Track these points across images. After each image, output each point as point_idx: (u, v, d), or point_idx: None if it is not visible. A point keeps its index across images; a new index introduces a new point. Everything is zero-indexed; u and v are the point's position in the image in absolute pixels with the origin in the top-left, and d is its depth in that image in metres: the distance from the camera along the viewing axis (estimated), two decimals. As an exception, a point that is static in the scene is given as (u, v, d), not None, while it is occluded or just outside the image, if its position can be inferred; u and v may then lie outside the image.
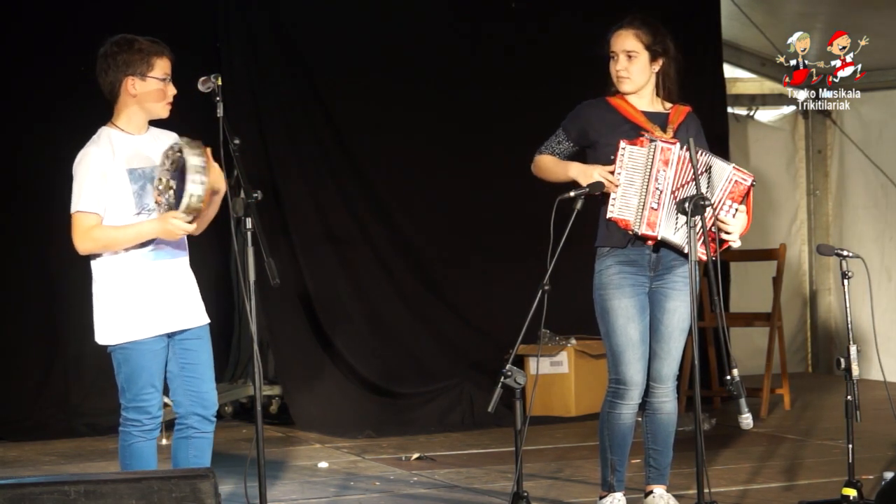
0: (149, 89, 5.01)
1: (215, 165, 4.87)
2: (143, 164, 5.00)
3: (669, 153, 5.43)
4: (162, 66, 5.03)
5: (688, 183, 5.39)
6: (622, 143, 5.46)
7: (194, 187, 4.80)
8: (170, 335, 5.06)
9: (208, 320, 5.17)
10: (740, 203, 5.47)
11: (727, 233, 5.47)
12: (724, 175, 5.44)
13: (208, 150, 4.86)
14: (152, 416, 5.04)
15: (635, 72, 5.55)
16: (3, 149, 8.29)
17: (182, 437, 5.12)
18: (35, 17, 8.33)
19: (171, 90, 5.07)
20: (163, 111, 5.08)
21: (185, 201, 4.82)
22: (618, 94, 5.62)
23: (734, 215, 5.46)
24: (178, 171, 4.85)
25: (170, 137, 5.10)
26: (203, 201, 4.84)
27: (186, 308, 5.08)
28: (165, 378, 5.11)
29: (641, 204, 5.43)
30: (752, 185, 5.49)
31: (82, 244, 4.97)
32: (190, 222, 4.89)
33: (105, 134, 5.03)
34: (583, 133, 5.60)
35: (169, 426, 5.36)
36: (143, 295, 5.00)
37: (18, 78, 8.27)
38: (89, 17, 8.20)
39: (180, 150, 4.84)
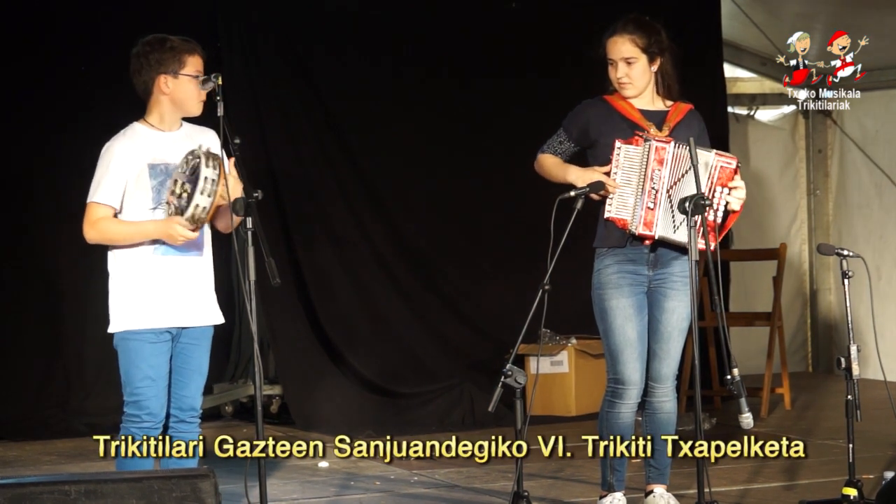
0: (181, 87, 5.04)
1: (233, 177, 4.89)
2: (165, 160, 5.02)
3: (664, 152, 5.43)
4: (194, 64, 5.06)
5: (681, 179, 5.41)
6: (617, 143, 5.47)
7: (202, 199, 4.86)
8: (173, 334, 5.07)
9: (214, 322, 5.15)
10: (730, 184, 5.49)
11: (733, 210, 5.51)
12: (709, 163, 5.45)
13: (232, 160, 4.89)
14: (151, 413, 5.02)
15: (636, 76, 5.56)
16: (8, 150, 8.27)
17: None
18: (38, 20, 8.31)
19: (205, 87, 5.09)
20: (195, 108, 5.10)
21: (190, 211, 4.88)
22: (616, 93, 5.62)
23: (727, 198, 5.48)
24: (195, 176, 4.88)
25: (204, 134, 5.11)
26: (209, 214, 4.89)
27: (189, 307, 5.07)
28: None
29: (638, 203, 5.44)
30: (737, 166, 5.53)
31: (89, 233, 5.04)
32: (193, 230, 4.91)
33: (132, 128, 5.08)
34: (583, 132, 5.60)
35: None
36: (145, 288, 5.01)
37: (35, 86, 8.27)
38: (89, 18, 8.19)
39: (198, 158, 4.87)
